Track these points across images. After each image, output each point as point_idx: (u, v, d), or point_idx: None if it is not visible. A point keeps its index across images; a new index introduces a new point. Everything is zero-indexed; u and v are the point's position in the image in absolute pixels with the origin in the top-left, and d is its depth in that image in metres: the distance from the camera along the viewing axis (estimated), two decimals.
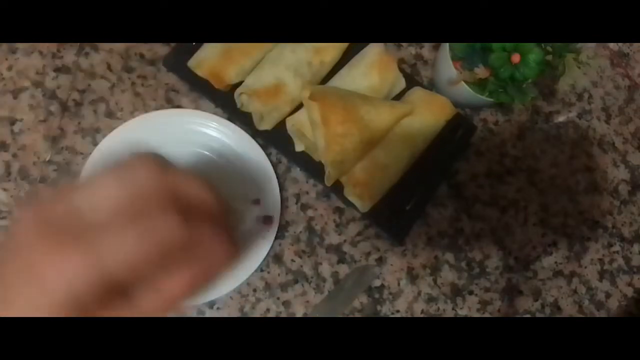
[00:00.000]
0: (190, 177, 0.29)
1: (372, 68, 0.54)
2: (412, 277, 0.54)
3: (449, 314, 0.54)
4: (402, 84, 0.56)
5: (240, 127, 0.52)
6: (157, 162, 0.28)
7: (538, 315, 0.56)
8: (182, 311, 0.31)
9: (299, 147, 0.53)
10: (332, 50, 0.54)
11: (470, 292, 0.55)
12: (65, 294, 0.24)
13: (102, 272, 0.24)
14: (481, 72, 0.52)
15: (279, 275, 0.52)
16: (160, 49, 0.55)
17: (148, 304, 0.28)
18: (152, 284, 0.28)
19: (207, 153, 0.52)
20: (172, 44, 0.54)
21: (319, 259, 0.53)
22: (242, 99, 0.53)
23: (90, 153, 0.49)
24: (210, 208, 0.30)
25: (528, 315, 0.56)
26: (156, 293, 0.28)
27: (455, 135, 0.57)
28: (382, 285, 0.54)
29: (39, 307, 0.24)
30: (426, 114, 0.54)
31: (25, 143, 0.50)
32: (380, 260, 0.54)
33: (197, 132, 0.52)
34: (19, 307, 0.25)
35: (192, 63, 0.52)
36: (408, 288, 0.54)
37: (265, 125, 0.53)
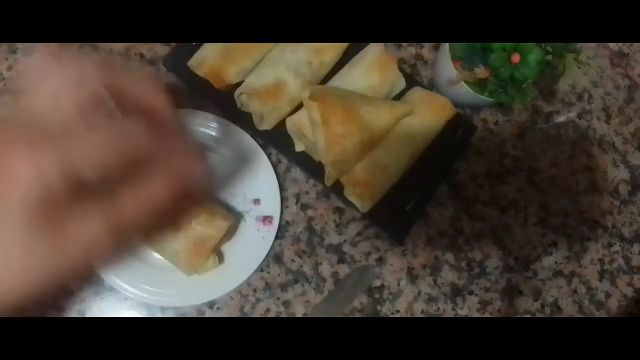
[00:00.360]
0: (138, 79, 0.29)
1: (372, 68, 0.54)
2: (412, 277, 0.54)
3: (449, 314, 0.54)
4: (402, 84, 0.56)
5: (240, 127, 0.52)
6: (105, 62, 0.27)
7: (538, 315, 0.56)
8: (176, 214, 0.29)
9: (299, 147, 0.53)
10: (332, 50, 0.54)
11: (470, 292, 0.55)
12: (36, 188, 0.23)
13: (73, 168, 0.24)
14: (481, 72, 0.52)
15: (279, 275, 0.52)
16: (160, 49, 0.55)
17: (127, 206, 0.27)
18: (129, 189, 0.27)
19: (207, 153, 0.52)
20: (172, 44, 0.54)
21: (319, 259, 0.53)
22: (242, 99, 0.53)
23: None
24: (169, 114, 0.30)
25: (528, 315, 0.56)
26: (135, 197, 0.27)
27: (455, 135, 0.57)
28: (382, 285, 0.54)
29: (11, 203, 0.24)
30: (426, 114, 0.54)
31: None
32: (380, 260, 0.54)
33: (197, 132, 0.52)
34: None
35: (192, 63, 0.52)
36: (408, 288, 0.54)
37: (265, 125, 0.53)
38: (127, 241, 0.28)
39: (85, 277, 0.45)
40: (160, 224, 0.39)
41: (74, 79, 0.26)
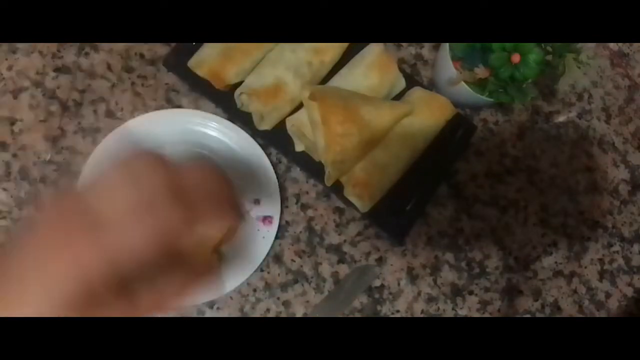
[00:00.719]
0: (191, 166, 0.30)
1: (372, 68, 0.54)
2: (412, 277, 0.54)
3: (449, 314, 0.54)
4: (402, 84, 0.56)
5: (240, 127, 0.52)
6: (158, 157, 0.29)
7: (538, 315, 0.56)
8: (178, 309, 0.31)
9: (299, 147, 0.53)
10: (332, 50, 0.54)
11: (470, 292, 0.55)
12: (76, 283, 0.25)
13: (112, 263, 0.25)
14: (481, 72, 0.52)
15: (279, 275, 0.52)
16: (160, 49, 0.55)
17: (143, 303, 0.29)
18: (154, 284, 0.29)
19: (207, 153, 0.52)
20: (172, 44, 0.54)
21: (319, 259, 0.53)
22: (242, 99, 0.53)
23: (90, 153, 0.49)
24: (214, 189, 0.31)
25: (528, 315, 0.56)
26: (155, 293, 0.29)
27: (455, 135, 0.57)
28: (382, 285, 0.54)
29: (52, 297, 0.25)
30: (426, 114, 0.54)
31: (25, 143, 0.50)
32: (380, 260, 0.54)
33: (197, 132, 0.52)
34: (33, 296, 0.25)
35: (192, 63, 0.52)
36: (408, 288, 0.54)
37: (265, 125, 0.53)
38: None
39: None
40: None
41: (133, 178, 0.27)
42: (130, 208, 0.27)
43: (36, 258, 0.25)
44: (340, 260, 0.53)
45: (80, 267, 0.25)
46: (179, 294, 0.31)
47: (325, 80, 0.55)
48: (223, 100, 0.53)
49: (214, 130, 0.52)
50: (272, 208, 0.51)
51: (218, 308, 0.50)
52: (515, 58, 0.51)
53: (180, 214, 0.28)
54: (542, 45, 0.51)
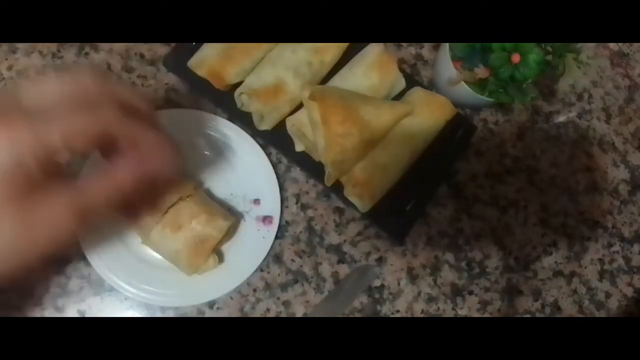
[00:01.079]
0: (128, 87, 0.33)
1: (372, 68, 0.54)
2: (412, 277, 0.54)
3: (449, 314, 0.54)
4: (402, 84, 0.56)
5: (240, 127, 0.52)
6: (98, 72, 0.30)
7: (538, 315, 0.56)
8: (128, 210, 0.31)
9: (299, 147, 0.53)
10: (332, 50, 0.54)
11: (470, 292, 0.55)
12: (10, 159, 0.25)
13: (44, 140, 0.26)
14: (481, 72, 0.52)
15: (279, 275, 0.52)
16: (160, 49, 0.55)
17: (92, 189, 0.29)
18: (97, 172, 0.30)
19: (207, 153, 0.52)
20: (172, 44, 0.54)
21: (319, 259, 0.53)
22: (242, 99, 0.53)
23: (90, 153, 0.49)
24: (147, 113, 0.33)
25: (528, 315, 0.56)
26: (100, 180, 0.30)
27: (455, 135, 0.57)
28: (382, 285, 0.54)
29: None
30: (426, 114, 0.54)
31: None
32: (380, 260, 0.54)
33: (197, 132, 0.52)
34: None
35: (192, 63, 0.52)
36: (408, 288, 0.54)
37: (265, 125, 0.53)
38: (93, 222, 0.30)
39: (54, 259, 0.45)
40: (138, 206, 0.42)
41: (63, 79, 0.29)
42: (68, 100, 0.28)
43: None
44: (340, 260, 0.53)
45: (13, 146, 0.25)
46: (128, 178, 0.30)
47: (325, 80, 0.55)
48: (223, 100, 0.53)
49: (214, 130, 0.52)
50: (272, 208, 0.51)
51: (218, 308, 0.50)
52: (515, 58, 0.51)
53: (117, 112, 0.29)
54: (542, 45, 0.51)
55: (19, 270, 0.27)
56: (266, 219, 0.51)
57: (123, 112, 0.29)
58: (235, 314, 0.50)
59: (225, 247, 0.50)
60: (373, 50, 0.55)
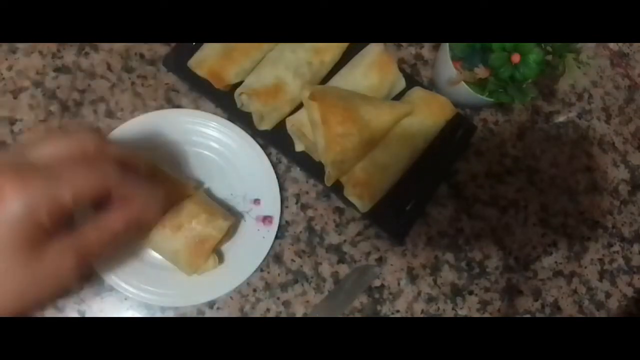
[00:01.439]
0: (124, 148, 0.37)
1: (372, 68, 0.54)
2: (412, 277, 0.54)
3: (449, 314, 0.54)
4: (402, 84, 0.56)
5: (240, 127, 0.52)
6: (97, 133, 0.36)
7: (538, 315, 0.56)
8: (118, 246, 0.38)
9: (299, 147, 0.53)
10: (332, 50, 0.54)
11: (470, 292, 0.55)
12: (24, 211, 0.28)
13: (55, 195, 0.29)
14: (481, 72, 0.52)
15: (279, 275, 0.52)
16: (160, 49, 0.55)
17: (90, 235, 0.33)
18: (94, 221, 0.33)
19: (207, 153, 0.52)
20: (172, 44, 0.54)
21: (319, 259, 0.53)
22: (242, 99, 0.53)
23: None
24: (138, 166, 0.38)
25: (528, 315, 0.56)
26: (97, 229, 0.33)
27: (455, 135, 0.57)
28: (382, 285, 0.54)
29: (1, 227, 0.28)
30: (426, 114, 0.54)
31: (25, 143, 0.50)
32: (380, 260, 0.54)
33: (197, 132, 0.52)
34: None
35: (192, 63, 0.52)
36: (408, 288, 0.54)
37: (265, 125, 0.53)
38: (90, 264, 0.37)
39: (59, 297, 0.48)
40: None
41: (66, 140, 0.32)
42: (72, 159, 0.31)
43: None
44: (340, 260, 0.53)
45: (28, 200, 0.28)
46: (121, 226, 0.34)
47: (325, 80, 0.55)
48: (223, 100, 0.53)
49: (214, 130, 0.52)
50: (272, 208, 0.51)
51: (218, 308, 0.50)
52: (515, 58, 0.51)
53: (115, 167, 0.33)
54: (542, 45, 0.51)
55: (23, 312, 0.30)
56: (266, 219, 0.51)
57: (119, 168, 0.33)
58: (235, 314, 0.50)
59: (225, 247, 0.50)
60: (373, 50, 0.55)
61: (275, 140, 0.54)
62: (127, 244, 0.47)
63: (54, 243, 0.30)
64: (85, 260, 0.32)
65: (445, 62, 0.54)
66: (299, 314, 0.51)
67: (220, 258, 0.49)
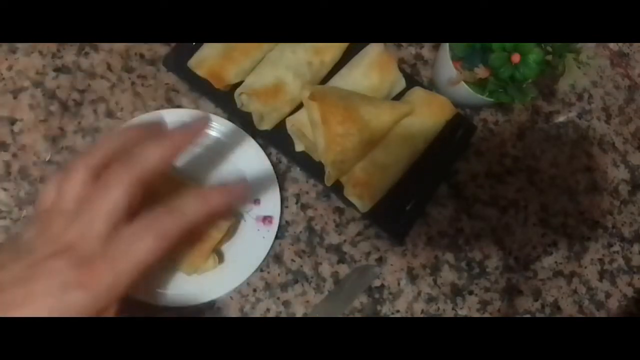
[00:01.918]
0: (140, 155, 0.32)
1: (372, 68, 0.54)
2: (412, 277, 0.54)
3: (449, 314, 0.54)
4: (402, 84, 0.56)
5: (240, 127, 0.52)
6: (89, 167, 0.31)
7: (538, 315, 0.56)
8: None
9: (299, 147, 0.53)
10: (332, 50, 0.54)
11: (470, 292, 0.55)
12: (85, 305, 0.28)
13: (116, 282, 0.28)
14: (481, 72, 0.52)
15: (279, 275, 0.52)
16: (160, 49, 0.55)
17: (164, 218, 0.30)
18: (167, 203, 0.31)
19: (207, 153, 0.52)
20: (172, 44, 0.54)
21: (319, 259, 0.53)
22: (242, 99, 0.53)
23: None
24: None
25: (528, 315, 0.56)
26: (197, 201, 0.32)
27: (455, 135, 0.57)
28: (382, 285, 0.54)
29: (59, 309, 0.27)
30: (426, 114, 0.54)
31: (25, 143, 0.50)
32: (380, 260, 0.54)
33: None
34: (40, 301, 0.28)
35: (192, 63, 0.52)
36: (408, 288, 0.54)
37: (265, 125, 0.53)
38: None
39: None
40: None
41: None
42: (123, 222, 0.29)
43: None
44: (340, 260, 0.53)
45: (89, 296, 0.27)
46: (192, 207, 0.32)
47: (325, 80, 0.55)
48: (223, 100, 0.53)
49: (214, 130, 0.52)
50: (272, 208, 0.51)
51: (218, 308, 0.50)
52: (515, 58, 0.51)
53: (171, 212, 0.30)
54: (542, 45, 0.51)
55: (116, 300, 0.30)
56: (266, 219, 0.51)
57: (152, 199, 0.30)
58: (235, 314, 0.50)
59: (225, 247, 0.50)
60: (373, 50, 0.55)
61: (275, 140, 0.54)
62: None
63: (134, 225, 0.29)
64: (163, 241, 0.30)
65: (445, 62, 0.54)
66: (299, 314, 0.51)
67: (220, 258, 0.49)
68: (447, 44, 0.54)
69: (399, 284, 0.54)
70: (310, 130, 0.51)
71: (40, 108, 0.51)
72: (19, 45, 0.52)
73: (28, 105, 0.51)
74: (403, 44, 0.61)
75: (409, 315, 0.53)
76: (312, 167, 0.53)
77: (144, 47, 0.55)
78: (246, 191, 0.36)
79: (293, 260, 0.52)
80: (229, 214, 0.42)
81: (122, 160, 0.30)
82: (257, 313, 0.50)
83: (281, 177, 0.54)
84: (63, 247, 0.28)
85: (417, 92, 0.56)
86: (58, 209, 0.30)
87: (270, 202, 0.52)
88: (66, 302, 0.27)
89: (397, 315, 0.53)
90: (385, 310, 0.53)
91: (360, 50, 0.55)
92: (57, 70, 0.52)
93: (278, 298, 0.51)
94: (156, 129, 0.35)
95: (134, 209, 0.30)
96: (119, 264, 0.28)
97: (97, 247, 0.28)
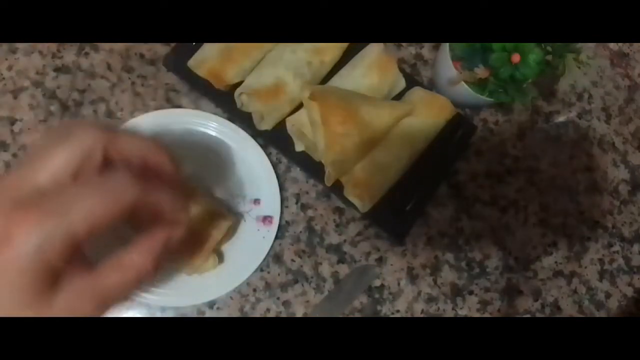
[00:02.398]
0: (139, 137, 0.30)
1: (372, 68, 0.54)
2: (412, 277, 0.54)
3: (449, 314, 0.54)
4: (402, 84, 0.56)
5: (240, 127, 0.52)
6: (98, 124, 0.29)
7: (538, 315, 0.56)
8: (146, 287, 0.30)
9: (299, 147, 0.53)
10: (332, 50, 0.54)
11: (470, 292, 0.55)
12: (33, 254, 0.24)
13: (66, 231, 0.25)
14: (481, 72, 0.52)
15: (279, 275, 0.52)
16: (160, 49, 0.55)
17: (111, 280, 0.28)
18: (115, 259, 0.28)
19: (207, 153, 0.52)
20: (172, 44, 0.54)
21: (319, 259, 0.53)
22: (242, 99, 0.53)
23: None
24: (165, 170, 0.31)
25: (528, 315, 0.56)
26: (119, 270, 0.28)
27: (455, 135, 0.57)
28: (382, 285, 0.54)
29: (9, 270, 0.25)
30: (426, 114, 0.54)
31: (25, 143, 0.50)
32: (380, 260, 0.54)
33: (197, 132, 0.52)
34: None
35: (192, 63, 0.52)
36: (408, 288, 0.54)
37: (265, 125, 0.53)
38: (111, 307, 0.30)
39: None
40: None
41: (69, 147, 0.27)
42: (82, 179, 0.27)
43: None
44: (340, 260, 0.53)
45: (35, 239, 0.24)
46: (147, 267, 0.29)
47: (325, 80, 0.55)
48: (223, 100, 0.53)
49: (214, 130, 0.52)
50: (272, 208, 0.51)
51: (218, 308, 0.50)
52: (515, 58, 0.51)
53: (129, 177, 0.27)
54: (542, 45, 0.51)
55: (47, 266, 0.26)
56: (266, 219, 0.51)
57: (139, 174, 0.27)
58: (235, 314, 0.50)
59: (225, 247, 0.50)
60: (373, 50, 0.55)
61: (275, 140, 0.54)
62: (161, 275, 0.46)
63: (70, 284, 0.27)
64: (105, 306, 0.28)
65: (445, 62, 0.54)
66: (299, 314, 0.51)
67: (220, 258, 0.49)
68: (447, 44, 0.54)
69: (399, 284, 0.54)
70: (310, 130, 0.51)
71: (40, 108, 0.51)
72: (19, 45, 0.52)
73: (28, 105, 0.51)
74: (403, 44, 0.61)
75: (409, 315, 0.53)
76: (312, 167, 0.53)
77: (144, 47, 0.55)
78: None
79: (293, 260, 0.52)
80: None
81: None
82: (257, 313, 0.50)
83: (281, 177, 0.54)
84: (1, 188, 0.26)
85: (417, 92, 0.56)
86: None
87: (270, 202, 0.52)
88: (13, 252, 0.24)
89: (397, 315, 0.53)
90: (385, 310, 0.53)
91: (360, 50, 0.55)
92: (57, 70, 0.52)
93: (278, 298, 0.51)
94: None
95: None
96: (52, 218, 0.25)
97: (34, 194, 0.26)
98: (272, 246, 0.51)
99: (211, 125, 0.52)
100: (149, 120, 0.51)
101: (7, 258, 0.24)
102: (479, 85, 0.53)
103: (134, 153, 0.30)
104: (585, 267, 0.59)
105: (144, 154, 0.30)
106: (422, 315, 0.53)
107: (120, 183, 0.27)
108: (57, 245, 0.25)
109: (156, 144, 0.31)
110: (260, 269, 0.51)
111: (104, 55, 0.54)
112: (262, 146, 0.52)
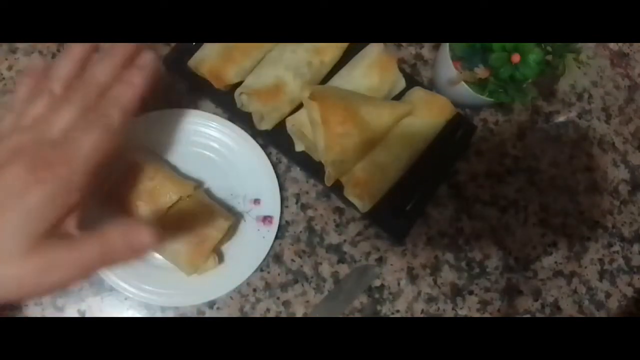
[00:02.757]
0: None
1: (372, 68, 0.54)
2: (412, 277, 0.54)
3: (449, 314, 0.54)
4: (402, 84, 0.56)
5: (240, 127, 0.52)
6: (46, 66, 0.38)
7: (538, 315, 0.56)
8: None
9: (299, 147, 0.53)
10: (332, 50, 0.54)
11: (470, 292, 0.55)
12: (44, 201, 0.29)
13: (75, 184, 0.30)
14: (481, 72, 0.52)
15: (279, 275, 0.52)
16: (160, 49, 0.55)
17: (117, 242, 0.31)
18: (116, 225, 0.32)
19: (207, 153, 0.52)
20: (172, 44, 0.54)
21: (319, 259, 0.53)
22: (242, 99, 0.53)
23: None
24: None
25: (528, 315, 0.56)
26: (124, 236, 0.32)
27: (455, 136, 0.57)
28: (382, 285, 0.54)
29: (16, 221, 0.28)
30: (426, 114, 0.54)
31: None
32: (380, 260, 0.54)
33: (197, 132, 0.52)
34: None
35: (192, 63, 0.52)
36: (408, 288, 0.54)
37: (265, 125, 0.53)
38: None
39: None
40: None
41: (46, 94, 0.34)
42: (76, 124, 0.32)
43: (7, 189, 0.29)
44: (340, 260, 0.53)
45: (46, 190, 0.29)
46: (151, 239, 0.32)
47: (325, 80, 0.55)
48: (223, 100, 0.53)
49: (214, 130, 0.52)
50: (272, 208, 0.51)
51: (218, 308, 0.50)
52: (515, 58, 0.51)
53: (114, 105, 0.35)
54: (542, 45, 0.51)
55: (10, 300, 0.29)
56: (266, 219, 0.51)
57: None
58: (235, 314, 0.50)
59: (225, 247, 0.50)
60: (373, 50, 0.55)
61: (275, 140, 0.54)
62: None
63: (62, 244, 0.30)
64: (91, 272, 0.31)
65: (445, 62, 0.54)
66: (299, 314, 0.51)
67: (220, 258, 0.49)
68: (447, 44, 0.54)
69: (399, 284, 0.54)
70: (310, 130, 0.51)
71: None
72: (19, 45, 0.52)
73: None
74: (403, 44, 0.61)
75: (409, 315, 0.53)
76: (312, 167, 0.53)
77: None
78: None
79: (293, 260, 0.52)
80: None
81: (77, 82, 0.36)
82: (257, 313, 0.50)
83: (281, 177, 0.54)
84: (16, 153, 0.30)
85: (417, 92, 0.56)
86: (17, 127, 0.33)
87: (270, 202, 0.52)
88: (29, 204, 0.28)
89: (397, 315, 0.53)
90: (385, 310, 0.53)
91: (360, 50, 0.55)
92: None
93: (278, 298, 0.51)
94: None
95: None
96: (71, 157, 0.30)
97: (49, 149, 0.30)
98: (272, 246, 0.51)
99: (211, 125, 0.52)
100: (149, 120, 0.51)
101: (15, 207, 0.28)
102: (479, 85, 0.53)
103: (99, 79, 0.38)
104: (585, 267, 0.59)
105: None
106: (422, 315, 0.53)
107: (103, 114, 0.34)
108: (86, 170, 0.30)
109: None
110: (260, 269, 0.51)
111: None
112: (262, 146, 0.52)
